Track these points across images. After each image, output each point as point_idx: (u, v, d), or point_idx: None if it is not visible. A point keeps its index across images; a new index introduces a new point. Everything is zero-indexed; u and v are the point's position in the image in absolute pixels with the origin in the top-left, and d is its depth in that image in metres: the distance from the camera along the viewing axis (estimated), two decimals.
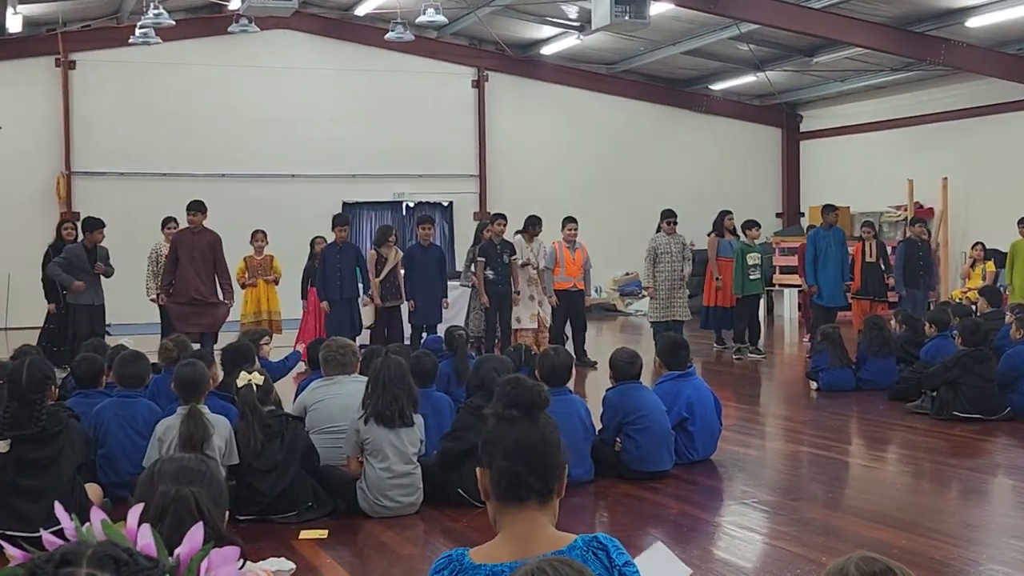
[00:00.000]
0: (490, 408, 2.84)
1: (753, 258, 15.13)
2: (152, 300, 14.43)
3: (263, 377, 6.85)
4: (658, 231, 15.17)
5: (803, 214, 25.14)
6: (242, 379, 6.79)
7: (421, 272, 14.10)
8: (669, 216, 15.07)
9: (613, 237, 22.03)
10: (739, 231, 15.98)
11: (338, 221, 14.34)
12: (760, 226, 15.64)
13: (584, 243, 14.98)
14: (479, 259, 14.60)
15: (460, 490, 7.03)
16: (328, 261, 14.02)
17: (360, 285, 14.14)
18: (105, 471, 7.15)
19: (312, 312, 14.75)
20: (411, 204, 23.18)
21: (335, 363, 7.79)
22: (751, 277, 15.09)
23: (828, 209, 15.85)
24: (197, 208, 13.71)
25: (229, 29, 19.33)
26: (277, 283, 15.25)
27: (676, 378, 8.45)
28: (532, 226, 15.09)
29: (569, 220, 14.83)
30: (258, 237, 15.33)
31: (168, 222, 14.81)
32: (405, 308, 14.27)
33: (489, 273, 14.47)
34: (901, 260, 15.67)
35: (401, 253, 14.42)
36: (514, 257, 14.84)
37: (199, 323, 13.21)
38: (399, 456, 6.81)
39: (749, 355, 14.99)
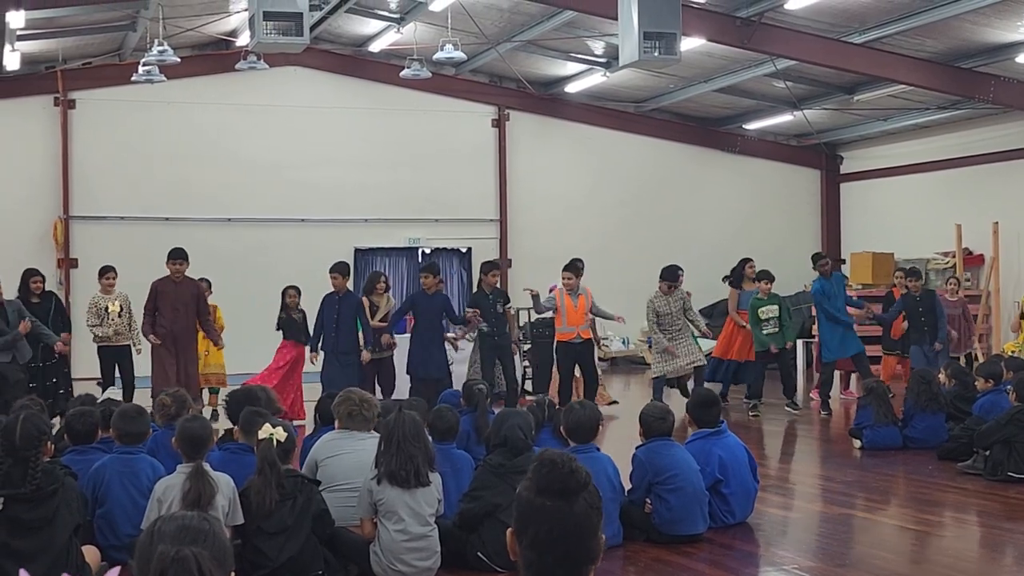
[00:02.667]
0: (521, 486, 2.80)
1: (766, 312, 15.09)
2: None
3: (286, 434, 6.84)
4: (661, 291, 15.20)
5: (844, 261, 25.00)
6: (264, 431, 6.77)
7: (422, 321, 14.21)
8: (666, 277, 15.10)
9: (641, 285, 21.90)
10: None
11: (335, 269, 14.30)
12: (772, 278, 15.51)
13: (588, 288, 14.90)
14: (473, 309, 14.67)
15: (480, 553, 7.00)
16: (325, 311, 14.05)
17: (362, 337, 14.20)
18: (104, 532, 7.15)
19: (282, 367, 14.61)
20: (427, 250, 23.24)
21: (360, 418, 7.70)
22: (764, 332, 15.07)
23: (816, 257, 15.76)
24: (182, 256, 13.77)
25: (237, 66, 19.53)
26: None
27: (707, 436, 8.41)
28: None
29: (571, 265, 14.77)
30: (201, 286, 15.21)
31: (107, 272, 14.80)
32: (397, 357, 14.38)
33: (483, 326, 14.45)
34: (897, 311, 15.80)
35: (393, 300, 14.53)
36: (508, 306, 14.88)
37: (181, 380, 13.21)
38: (415, 518, 6.78)
39: (787, 409, 14.96)
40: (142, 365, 14.48)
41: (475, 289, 15.34)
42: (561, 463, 2.76)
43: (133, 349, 14.54)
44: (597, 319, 15.36)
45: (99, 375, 14.66)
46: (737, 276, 16.15)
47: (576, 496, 2.70)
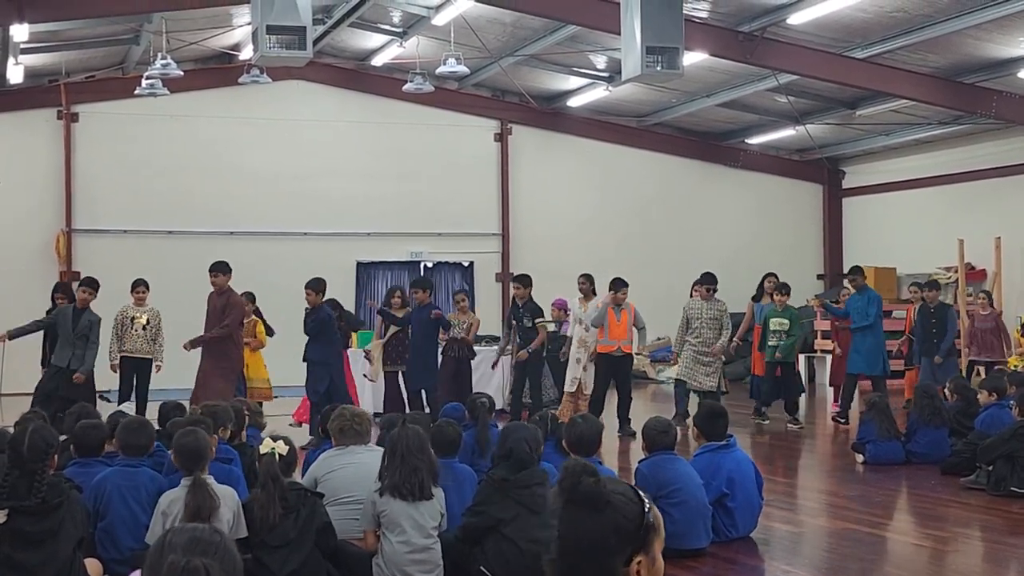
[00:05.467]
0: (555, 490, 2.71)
1: (775, 324, 15.22)
2: (114, 365, 14.62)
3: (287, 447, 6.86)
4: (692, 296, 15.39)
5: (846, 275, 25.09)
6: (265, 446, 6.78)
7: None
8: (703, 281, 15.11)
9: (644, 299, 21.82)
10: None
11: (417, 284, 14.84)
12: (788, 292, 15.64)
13: (632, 303, 14.96)
14: (513, 322, 14.97)
15: (482, 567, 6.99)
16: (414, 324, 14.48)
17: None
18: (105, 546, 7.13)
19: None
20: (429, 264, 23.26)
21: (352, 432, 7.77)
22: (769, 343, 15.23)
23: (851, 271, 15.84)
24: (218, 269, 13.84)
25: (240, 80, 19.58)
26: (256, 349, 15.28)
27: (716, 450, 8.42)
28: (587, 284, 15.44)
29: (620, 283, 14.80)
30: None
31: (137, 285, 14.88)
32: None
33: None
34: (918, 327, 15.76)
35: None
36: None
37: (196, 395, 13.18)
38: (417, 529, 6.79)
39: (788, 426, 15.01)
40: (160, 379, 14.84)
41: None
42: (575, 470, 2.62)
43: (154, 365, 14.61)
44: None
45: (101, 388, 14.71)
46: (759, 290, 16.26)
47: (583, 507, 2.57)
